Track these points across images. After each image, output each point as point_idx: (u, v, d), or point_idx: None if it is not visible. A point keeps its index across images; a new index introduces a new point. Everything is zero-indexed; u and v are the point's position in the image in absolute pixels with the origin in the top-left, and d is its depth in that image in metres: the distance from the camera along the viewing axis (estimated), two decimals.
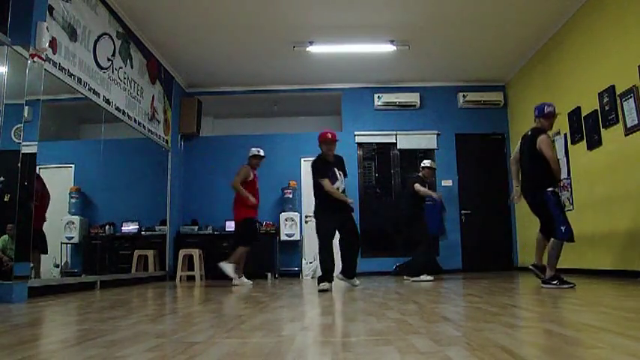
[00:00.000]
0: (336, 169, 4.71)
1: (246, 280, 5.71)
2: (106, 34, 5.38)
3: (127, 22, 5.90)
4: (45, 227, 4.56)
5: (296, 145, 8.09)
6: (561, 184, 6.23)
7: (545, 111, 4.30)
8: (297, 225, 7.57)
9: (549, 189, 4.13)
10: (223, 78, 7.98)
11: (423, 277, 5.65)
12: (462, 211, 7.89)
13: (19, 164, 3.74)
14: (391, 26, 6.31)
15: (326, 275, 4.52)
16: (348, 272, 4.79)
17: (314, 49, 6.81)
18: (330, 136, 4.70)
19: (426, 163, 6.40)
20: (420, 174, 6.37)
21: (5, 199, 3.85)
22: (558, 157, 6.30)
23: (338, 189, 4.66)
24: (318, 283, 4.48)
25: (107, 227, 6.17)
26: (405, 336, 1.75)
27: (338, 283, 4.89)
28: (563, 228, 4.01)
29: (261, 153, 5.90)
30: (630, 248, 4.80)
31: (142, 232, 6.77)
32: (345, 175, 4.84)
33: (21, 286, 3.65)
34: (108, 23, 5.44)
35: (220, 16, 5.94)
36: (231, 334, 1.92)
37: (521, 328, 1.94)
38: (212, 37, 6.55)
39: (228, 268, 5.53)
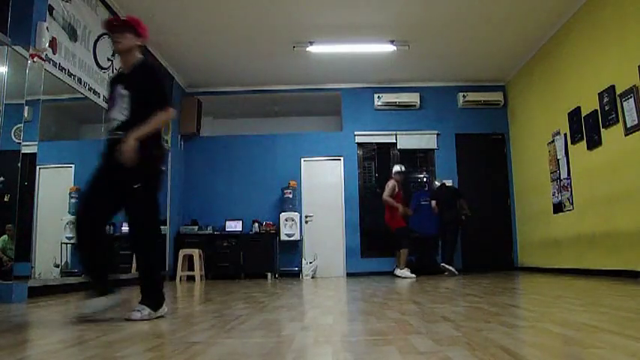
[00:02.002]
0: (120, 87, 2.58)
1: (409, 273, 6.47)
2: (106, 34, 5.36)
3: None
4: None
5: (296, 145, 8.09)
6: (561, 184, 6.23)
7: None
8: (297, 225, 7.57)
9: None
10: (223, 78, 7.97)
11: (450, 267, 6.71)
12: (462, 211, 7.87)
13: (19, 164, 3.74)
14: (391, 26, 6.31)
15: (91, 281, 2.69)
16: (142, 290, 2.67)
17: (314, 49, 6.81)
18: (115, 22, 2.76)
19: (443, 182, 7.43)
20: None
21: (5, 199, 3.85)
22: (558, 157, 6.34)
23: (113, 121, 2.54)
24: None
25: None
26: (405, 336, 1.75)
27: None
28: None
29: (403, 169, 6.97)
30: (630, 248, 4.79)
31: None
32: (147, 92, 2.59)
33: (21, 286, 3.65)
34: None
35: (220, 16, 5.94)
36: (231, 334, 1.92)
37: (521, 328, 1.94)
38: (212, 37, 6.54)
39: (403, 272, 6.46)
